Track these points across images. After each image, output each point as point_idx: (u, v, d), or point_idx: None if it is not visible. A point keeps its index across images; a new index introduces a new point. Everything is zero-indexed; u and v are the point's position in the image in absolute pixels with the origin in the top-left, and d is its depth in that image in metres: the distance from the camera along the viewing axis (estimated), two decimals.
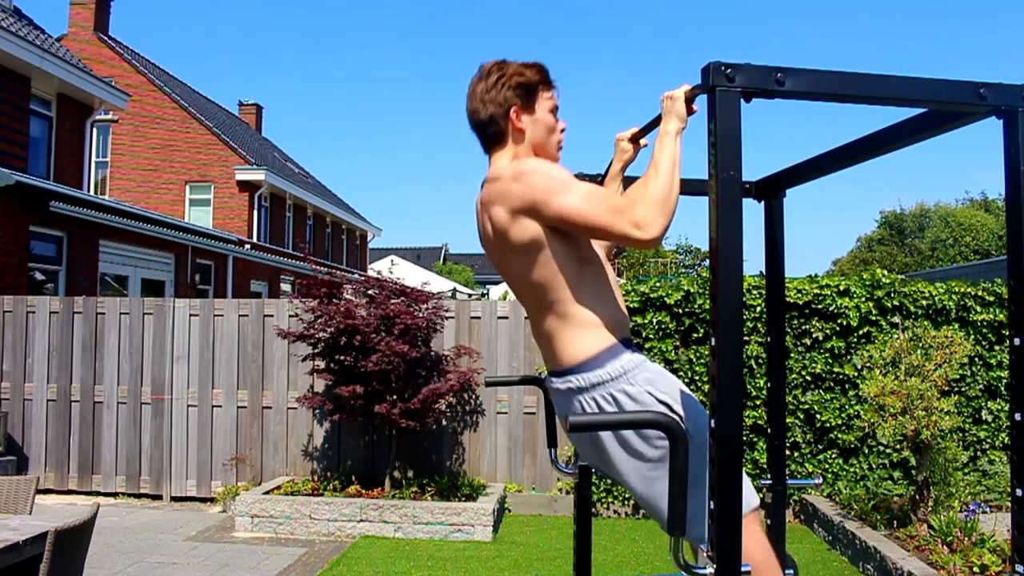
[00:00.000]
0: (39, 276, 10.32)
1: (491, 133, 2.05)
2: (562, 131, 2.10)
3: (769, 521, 2.37)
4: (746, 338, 6.52)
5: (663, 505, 1.81)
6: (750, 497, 1.80)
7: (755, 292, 6.50)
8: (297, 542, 5.78)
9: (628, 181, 2.47)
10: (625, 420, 1.78)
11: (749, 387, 6.47)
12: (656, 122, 2.05)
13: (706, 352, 6.60)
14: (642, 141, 2.26)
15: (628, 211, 1.74)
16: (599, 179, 2.62)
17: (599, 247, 2.07)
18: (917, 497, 5.13)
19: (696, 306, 6.63)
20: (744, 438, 5.62)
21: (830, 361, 6.54)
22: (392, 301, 6.42)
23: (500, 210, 1.93)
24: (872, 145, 2.05)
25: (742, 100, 1.56)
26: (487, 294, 34.83)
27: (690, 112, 1.83)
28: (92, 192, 14.84)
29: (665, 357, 6.64)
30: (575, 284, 1.90)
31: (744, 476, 1.75)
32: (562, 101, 2.11)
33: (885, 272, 6.66)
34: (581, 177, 2.62)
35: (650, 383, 1.86)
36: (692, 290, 6.67)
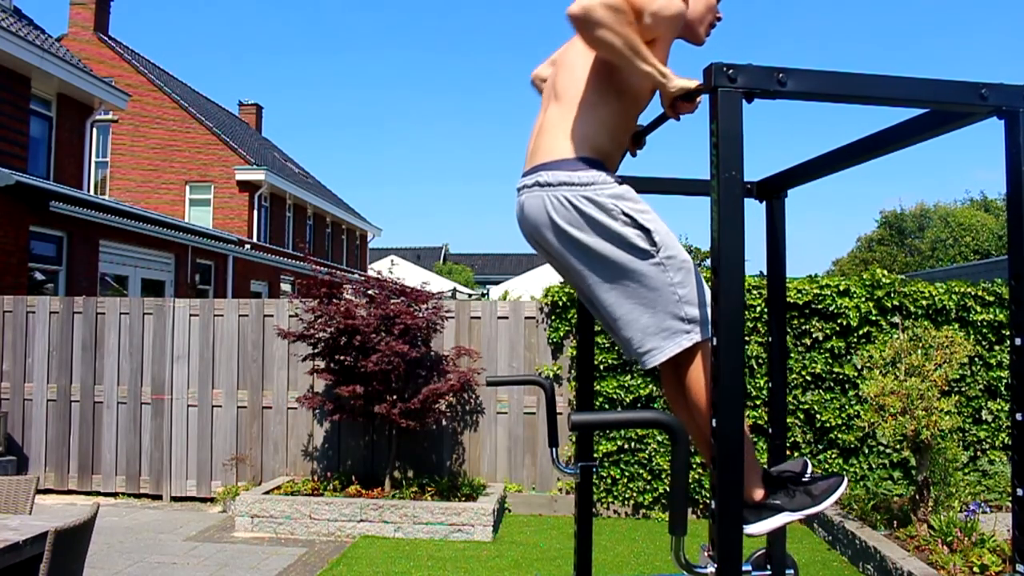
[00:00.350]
0: (39, 276, 10.32)
1: None
2: (718, 19, 2.09)
3: None
4: (746, 338, 6.52)
5: (622, 314, 1.85)
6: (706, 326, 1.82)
7: (755, 292, 6.50)
8: (297, 542, 5.78)
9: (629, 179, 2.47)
10: (626, 419, 1.78)
11: (749, 387, 6.47)
12: (660, 120, 2.05)
13: None
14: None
15: None
16: None
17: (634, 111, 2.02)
18: (917, 497, 5.13)
19: None
20: None
21: (830, 361, 6.54)
22: (392, 301, 6.42)
23: None
24: (873, 145, 2.05)
25: (744, 100, 1.56)
26: (487, 294, 34.80)
27: (685, 97, 1.82)
28: (92, 192, 14.84)
29: None
30: (600, 101, 1.90)
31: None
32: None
33: (885, 272, 6.66)
34: None
35: (619, 197, 1.85)
36: None
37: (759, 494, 1.86)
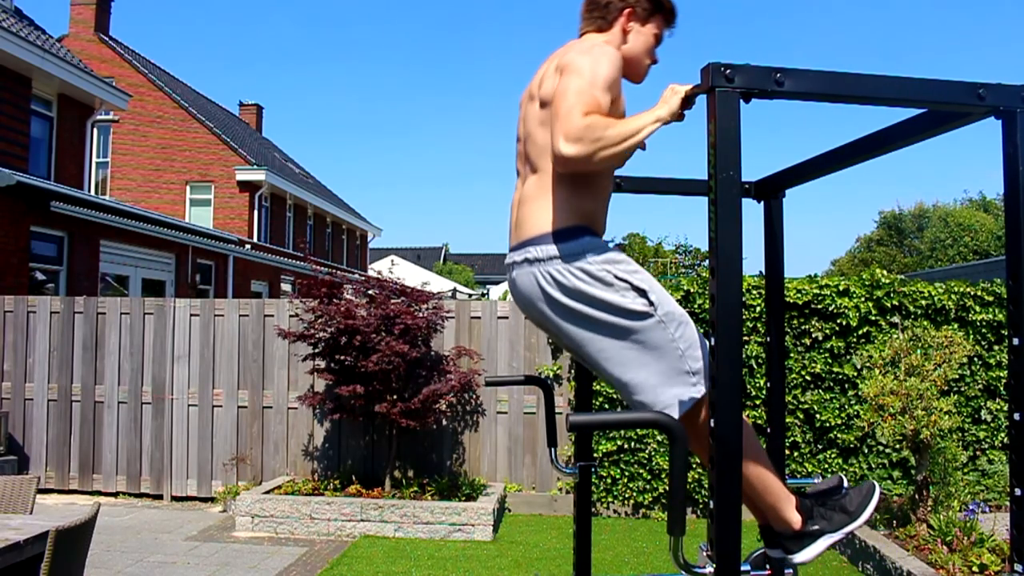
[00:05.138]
0: (40, 276, 10.32)
1: (597, 17, 2.05)
2: (653, 63, 2.10)
3: None
4: (746, 338, 6.52)
5: (631, 378, 1.83)
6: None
7: (754, 292, 6.51)
8: (297, 542, 5.79)
9: (628, 180, 2.48)
10: (625, 420, 1.79)
11: (749, 387, 6.47)
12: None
13: None
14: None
15: (574, 122, 1.72)
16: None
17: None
18: (916, 497, 5.13)
19: (696, 306, 6.64)
20: None
21: (829, 361, 6.54)
22: (392, 301, 6.43)
23: (554, 63, 1.94)
24: (872, 145, 2.05)
25: (741, 100, 1.56)
26: (487, 294, 34.88)
27: (685, 106, 1.80)
28: (93, 192, 14.84)
29: None
30: None
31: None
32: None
33: (884, 272, 6.66)
34: None
35: (610, 262, 1.85)
36: (692, 290, 6.67)
37: (797, 522, 1.86)
